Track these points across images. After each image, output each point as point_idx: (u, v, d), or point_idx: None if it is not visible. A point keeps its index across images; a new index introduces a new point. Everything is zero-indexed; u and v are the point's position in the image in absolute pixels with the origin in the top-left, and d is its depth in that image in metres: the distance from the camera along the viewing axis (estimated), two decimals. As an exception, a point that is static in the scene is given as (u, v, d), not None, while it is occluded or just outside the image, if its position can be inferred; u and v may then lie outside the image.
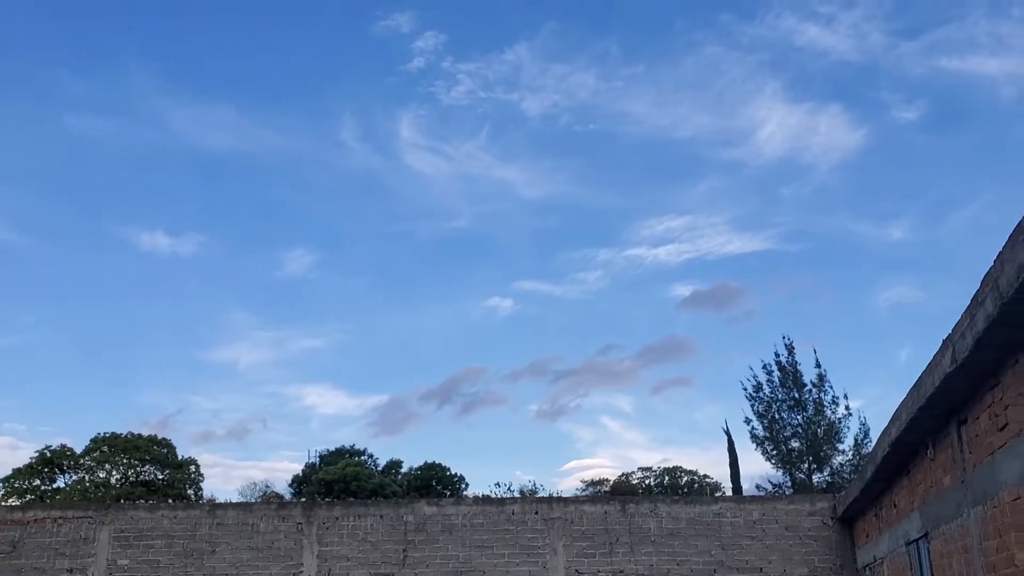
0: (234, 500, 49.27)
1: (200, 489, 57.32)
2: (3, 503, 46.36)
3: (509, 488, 55.87)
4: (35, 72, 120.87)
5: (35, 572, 17.47)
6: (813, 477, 37.64)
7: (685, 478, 59.97)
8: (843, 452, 37.61)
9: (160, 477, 57.38)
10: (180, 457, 58.41)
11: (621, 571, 17.67)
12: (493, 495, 51.07)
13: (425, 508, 18.08)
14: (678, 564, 17.73)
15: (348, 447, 61.89)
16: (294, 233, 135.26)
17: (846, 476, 36.11)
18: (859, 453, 36.81)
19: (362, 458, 61.07)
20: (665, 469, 61.66)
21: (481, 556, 17.71)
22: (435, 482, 56.73)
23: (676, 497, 18.79)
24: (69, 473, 56.27)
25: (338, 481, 51.64)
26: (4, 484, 53.75)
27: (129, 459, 56.70)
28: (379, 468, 60.10)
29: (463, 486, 59.84)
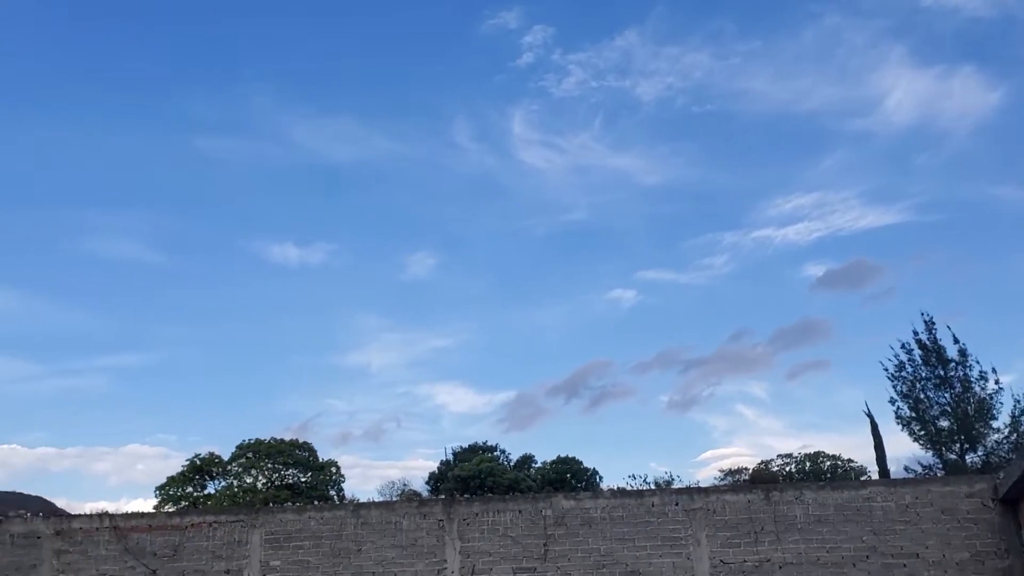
0: (374, 499, 50.53)
1: (342, 490, 59.17)
2: (161, 510, 48.79)
3: (645, 480, 55.41)
4: (166, 99, 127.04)
5: (196, 574, 18.37)
6: (966, 457, 35.90)
7: (828, 463, 58.24)
8: (998, 430, 35.76)
9: (303, 480, 59.50)
10: (321, 459, 60.44)
11: (768, 560, 17.28)
12: (629, 487, 50.78)
13: (563, 502, 18.12)
14: (828, 551, 17.20)
15: (480, 443, 62.82)
16: (416, 236, 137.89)
17: (1003, 455, 34.30)
18: (1016, 430, 34.92)
19: (495, 454, 61.86)
20: (806, 455, 60.05)
21: (623, 549, 17.63)
22: (569, 476, 56.87)
23: (821, 483, 18.21)
24: (218, 479, 59.00)
25: (473, 477, 52.48)
26: (160, 492, 56.90)
27: (273, 463, 59.03)
28: (512, 463, 60.77)
29: (597, 479, 59.79)
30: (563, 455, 59.69)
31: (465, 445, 62.60)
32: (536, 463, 61.06)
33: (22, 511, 20.96)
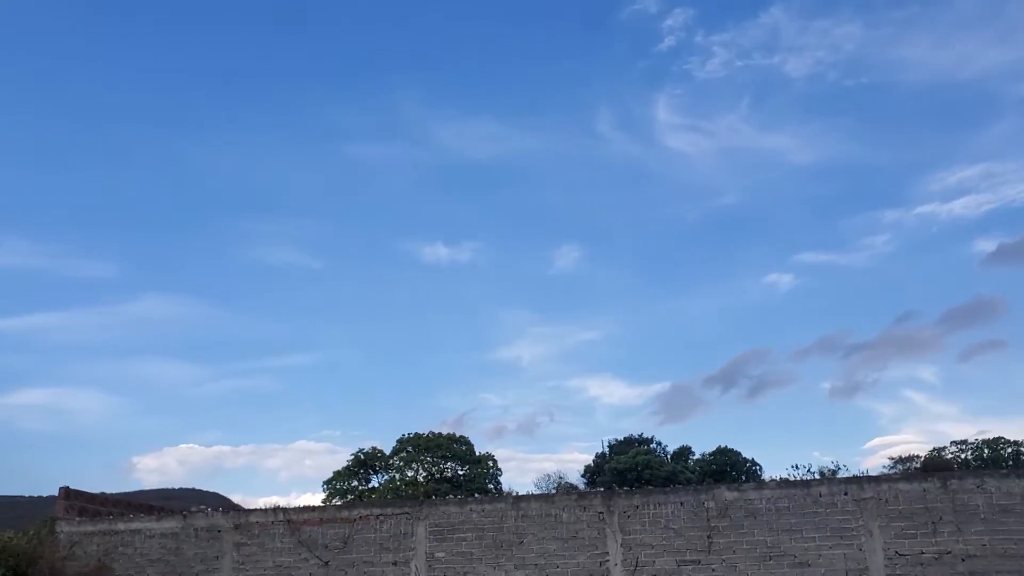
0: (530, 492, 50.98)
1: (499, 483, 60.01)
2: (330, 503, 50.76)
3: (808, 469, 53.65)
4: (317, 111, 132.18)
5: (365, 565, 19.05)
6: None
7: (1009, 450, 54.73)
8: None
9: (461, 473, 60.71)
10: (478, 453, 61.53)
11: (948, 551, 16.40)
12: (792, 478, 49.26)
13: (726, 493, 17.75)
14: (1015, 544, 16.17)
15: (635, 436, 62.35)
16: (561, 230, 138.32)
17: None
18: None
19: (650, 446, 61.26)
20: (984, 441, 56.62)
21: (790, 540, 17.12)
22: (728, 467, 55.67)
23: (1004, 471, 17.12)
24: (381, 473, 61.00)
25: (630, 470, 52.16)
26: (327, 486, 59.33)
27: (432, 457, 60.51)
28: (668, 455, 60.04)
29: (757, 470, 58.29)
30: (722, 446, 58.50)
31: (620, 438, 62.25)
32: (694, 455, 60.09)
33: (203, 506, 22.24)
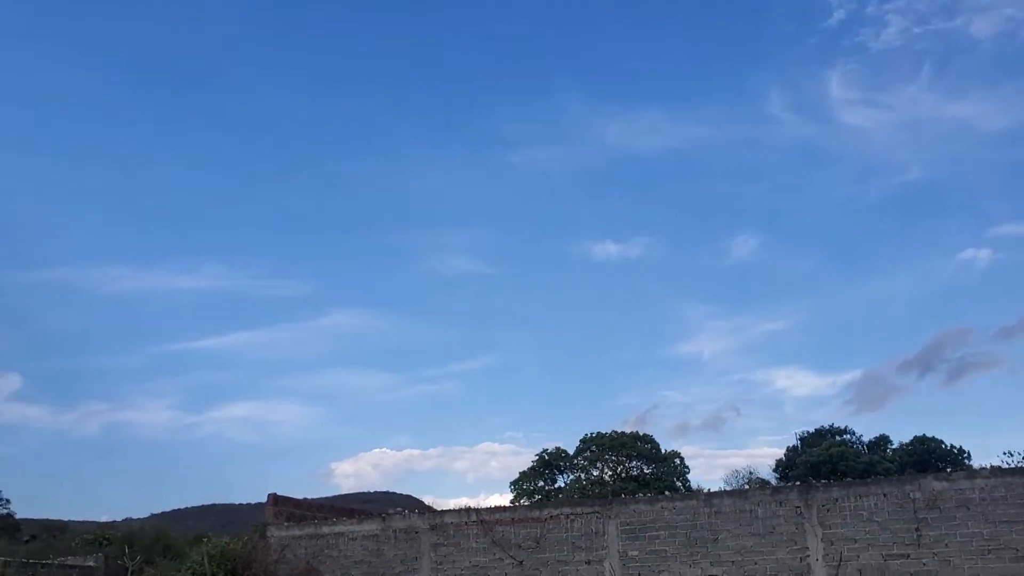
0: (721, 488, 50.08)
1: (687, 480, 59.16)
2: (519, 503, 51.54)
3: (1024, 457, 49.91)
4: (481, 119, 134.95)
5: (558, 564, 19.22)
6: None
7: None
8: None
9: (647, 471, 60.28)
10: (663, 451, 60.91)
11: None
12: (1005, 466, 45.99)
13: (934, 484, 16.77)
14: None
15: (828, 427, 59.99)
16: (736, 219, 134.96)
17: None
18: None
19: (844, 437, 58.80)
20: None
21: (1010, 532, 15.98)
22: (930, 457, 52.59)
23: None
24: (566, 473, 61.46)
25: (824, 463, 50.25)
26: (514, 486, 60.37)
27: (617, 456, 60.41)
28: (864, 446, 57.41)
29: (964, 458, 54.82)
30: (921, 434, 55.36)
31: (811, 430, 60.07)
32: (891, 444, 57.17)
33: (400, 508, 23.08)
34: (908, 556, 16.46)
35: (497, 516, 20.27)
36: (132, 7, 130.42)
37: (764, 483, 51.49)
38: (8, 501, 65.88)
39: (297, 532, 22.19)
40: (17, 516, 65.42)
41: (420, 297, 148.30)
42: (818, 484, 17.84)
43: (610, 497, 20.05)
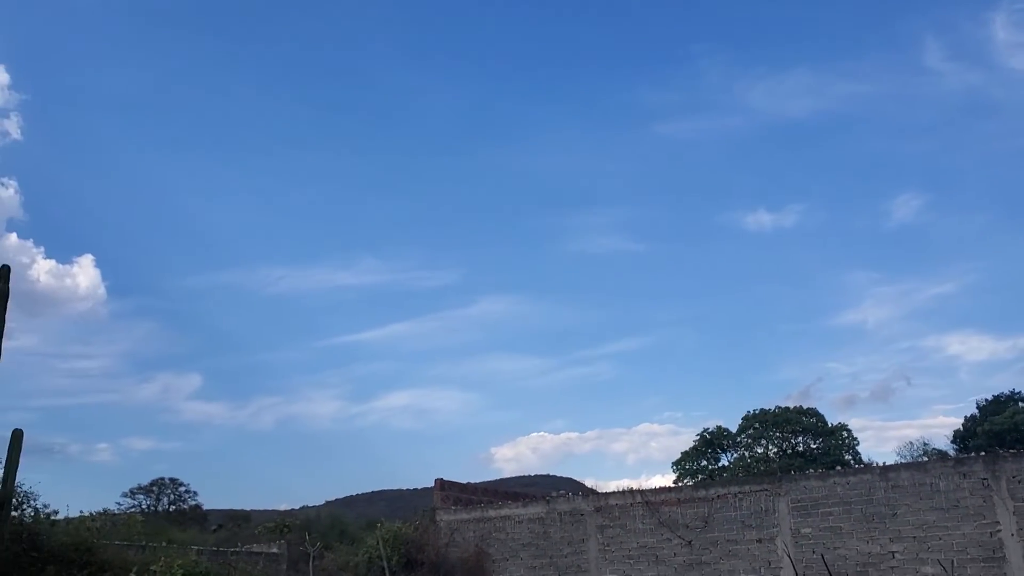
0: (891, 462, 48.05)
1: (857, 454, 57.02)
2: (683, 483, 51.02)
3: None
4: (621, 95, 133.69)
5: (728, 544, 18.89)
6: None
7: None
8: None
9: (814, 446, 58.46)
10: (829, 425, 58.91)
11: None
12: None
13: None
14: None
15: (1010, 393, 56.43)
16: (896, 179, 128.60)
17: None
18: None
19: (1029, 403, 55.24)
20: None
21: None
22: None
23: None
24: (729, 451, 60.35)
25: (1009, 431, 47.30)
26: (676, 466, 59.75)
27: (782, 432, 58.86)
28: (1055, 412, 53.71)
29: None
30: (1121, 396, 51.31)
31: (991, 396, 56.68)
32: (1085, 409, 53.25)
33: (563, 491, 23.24)
34: (1113, 529, 15.29)
35: (662, 497, 20.11)
36: (279, 6, 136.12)
37: (943, 455, 49.01)
38: (196, 493, 70.41)
39: (465, 516, 22.69)
40: (204, 507, 69.91)
41: (570, 280, 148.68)
42: (1006, 454, 16.78)
43: (779, 474, 19.55)
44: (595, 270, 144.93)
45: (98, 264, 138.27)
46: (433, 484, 23.80)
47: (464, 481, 24.78)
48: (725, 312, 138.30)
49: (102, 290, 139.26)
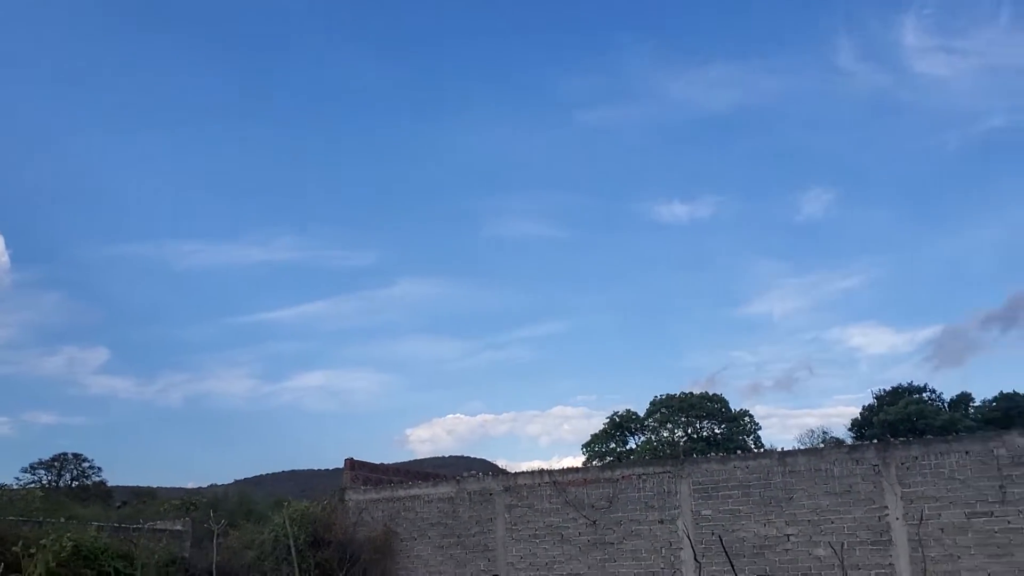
0: (795, 447, 49.53)
1: (759, 440, 58.77)
2: (591, 464, 51.66)
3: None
4: (544, 81, 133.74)
5: (631, 523, 19.20)
6: None
7: None
8: None
9: (718, 431, 59.91)
10: (734, 411, 60.46)
11: None
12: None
13: (1019, 440, 16.22)
14: None
15: (906, 385, 58.76)
16: (808, 173, 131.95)
17: None
18: None
19: (923, 395, 57.49)
20: None
21: (1099, 489, 15.43)
22: (1016, 413, 51.12)
23: None
24: (637, 435, 61.44)
25: (902, 421, 49.33)
26: (586, 448, 60.68)
27: (687, 417, 60.18)
28: (945, 404, 56.05)
29: (1050, 414, 53.17)
30: (1006, 391, 53.79)
31: (888, 388, 58.91)
32: (974, 402, 55.73)
33: (474, 471, 23.30)
34: (992, 514, 16.01)
35: (570, 477, 20.30)
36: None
37: (839, 442, 50.73)
38: (100, 469, 68.50)
39: (374, 495, 22.56)
40: (109, 483, 68.00)
41: (489, 263, 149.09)
42: (896, 442, 17.41)
43: (682, 457, 19.90)
44: (514, 255, 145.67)
45: (1, 231, 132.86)
46: (343, 464, 23.59)
47: (377, 462, 24.64)
48: (639, 299, 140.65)
49: (5, 258, 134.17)
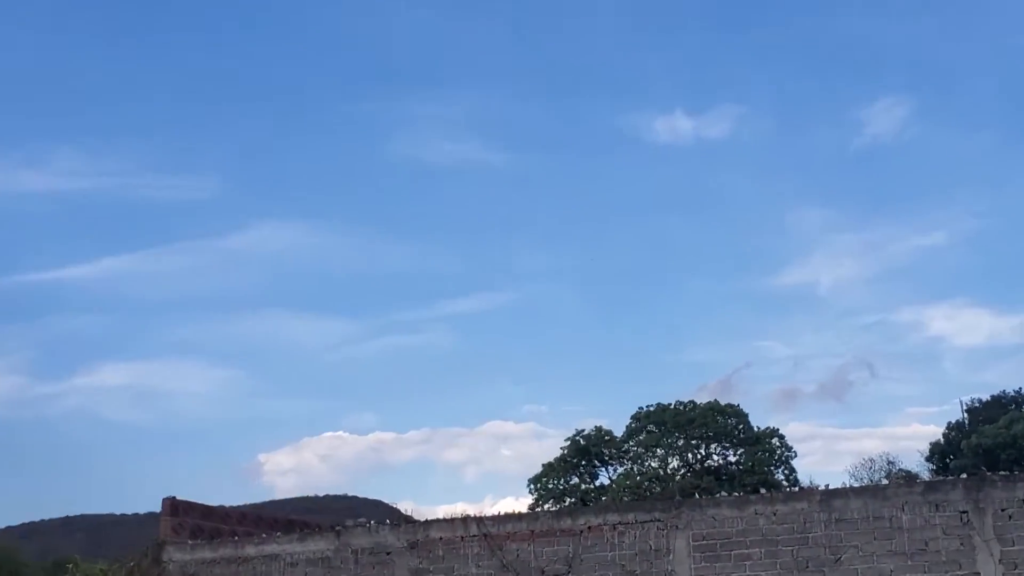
0: (846, 485, 50.31)
1: (792, 471, 59.76)
2: (544, 509, 52.19)
3: None
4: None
5: (601, 598, 19.43)
6: None
7: None
8: None
9: (733, 460, 60.79)
10: (756, 429, 61.31)
11: None
12: None
13: None
14: None
15: (1009, 393, 60.06)
16: (875, 76, 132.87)
17: None
18: None
19: (1036, 407, 58.92)
20: None
21: None
22: None
23: None
24: (612, 464, 62.02)
25: (1004, 446, 50.51)
26: (536, 485, 61.00)
27: (687, 438, 60.85)
28: (1067, 420, 57.61)
29: None
30: None
31: (985, 397, 60.25)
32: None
33: (362, 519, 23.30)
34: None
35: (509, 528, 20.42)
36: None
37: (911, 477, 51.82)
38: None
39: (209, 554, 22.44)
40: None
41: (392, 202, 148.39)
42: (995, 477, 17.84)
43: (678, 498, 20.19)
44: (431, 188, 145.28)
45: None
46: (161, 507, 23.41)
47: (214, 504, 24.49)
48: (616, 261, 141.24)
49: None
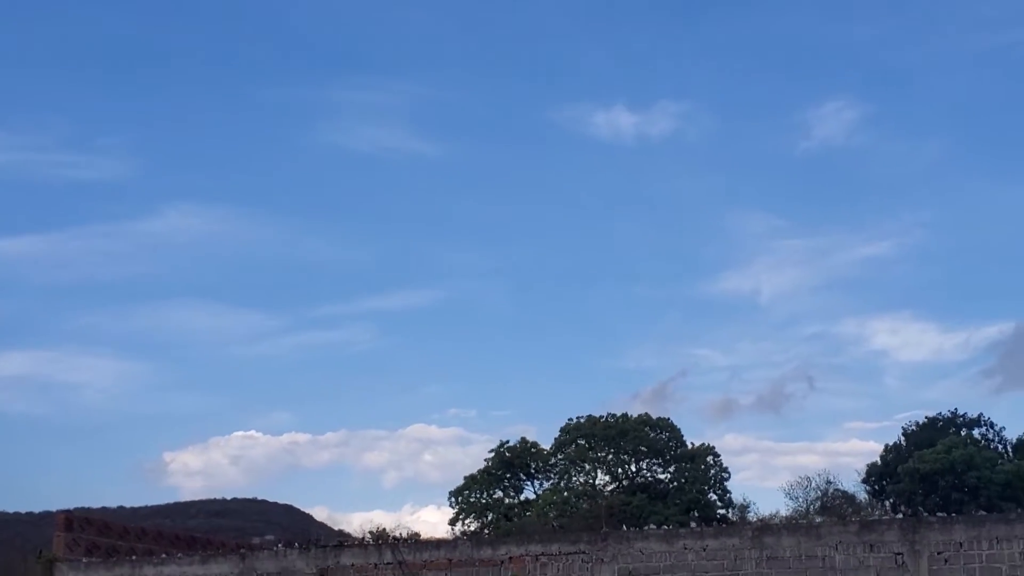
0: (778, 516, 50.70)
1: (726, 492, 60.05)
2: (465, 530, 51.96)
3: None
4: None
5: (520, 634, 19.39)
6: None
7: None
8: None
9: (664, 476, 60.92)
10: (690, 445, 61.48)
11: None
12: None
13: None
14: None
15: (949, 414, 60.52)
16: (823, 78, 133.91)
17: None
18: None
19: (976, 431, 59.45)
20: None
21: None
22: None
23: None
24: (538, 478, 61.92)
25: (943, 472, 50.91)
26: (457, 498, 60.63)
27: (617, 453, 60.88)
28: (1009, 447, 58.20)
29: None
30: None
31: (925, 417, 60.77)
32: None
33: (269, 537, 23.13)
34: (1067, 634, 16.76)
35: (426, 557, 20.30)
36: None
37: (847, 499, 52.24)
38: None
39: (104, 574, 22.15)
40: None
41: (315, 190, 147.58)
42: (932, 519, 18.00)
43: (604, 530, 20.21)
44: (358, 178, 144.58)
45: None
46: (56, 520, 23.10)
47: (113, 505, 24.20)
48: (550, 260, 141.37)
49: None
